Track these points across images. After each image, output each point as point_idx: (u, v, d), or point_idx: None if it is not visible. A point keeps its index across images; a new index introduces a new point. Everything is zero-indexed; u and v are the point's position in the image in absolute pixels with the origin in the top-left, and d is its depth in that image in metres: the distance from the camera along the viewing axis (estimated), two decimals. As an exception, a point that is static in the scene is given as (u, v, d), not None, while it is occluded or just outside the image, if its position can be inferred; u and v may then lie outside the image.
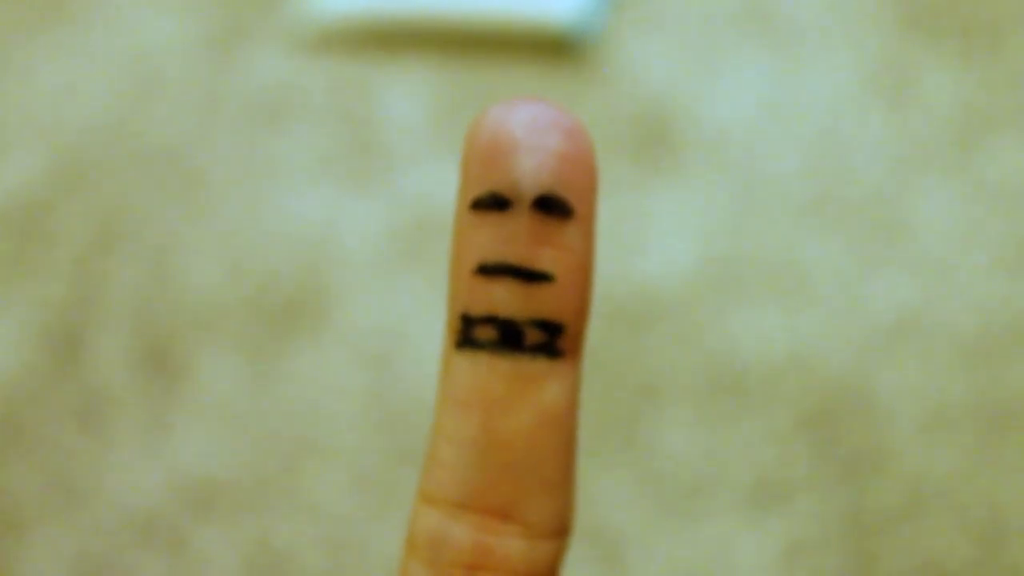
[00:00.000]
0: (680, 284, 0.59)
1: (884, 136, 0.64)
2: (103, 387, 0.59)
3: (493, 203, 0.18)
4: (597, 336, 0.57)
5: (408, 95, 0.70)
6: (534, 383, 0.18)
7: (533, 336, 0.18)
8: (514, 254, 0.18)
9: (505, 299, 0.18)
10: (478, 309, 0.18)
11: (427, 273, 0.61)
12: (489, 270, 0.18)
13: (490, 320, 0.18)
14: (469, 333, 0.19)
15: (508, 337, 0.18)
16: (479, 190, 0.18)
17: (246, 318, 0.61)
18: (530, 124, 0.18)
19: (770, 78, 0.68)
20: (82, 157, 0.69)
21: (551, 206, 0.18)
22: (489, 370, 0.18)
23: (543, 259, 0.18)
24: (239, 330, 0.60)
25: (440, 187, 0.64)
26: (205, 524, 0.54)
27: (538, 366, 0.18)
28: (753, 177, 0.63)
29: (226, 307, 0.61)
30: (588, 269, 0.18)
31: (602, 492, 0.53)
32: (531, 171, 0.18)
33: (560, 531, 0.19)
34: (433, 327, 0.59)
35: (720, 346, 0.57)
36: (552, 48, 0.70)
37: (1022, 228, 0.60)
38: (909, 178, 0.62)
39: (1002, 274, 0.58)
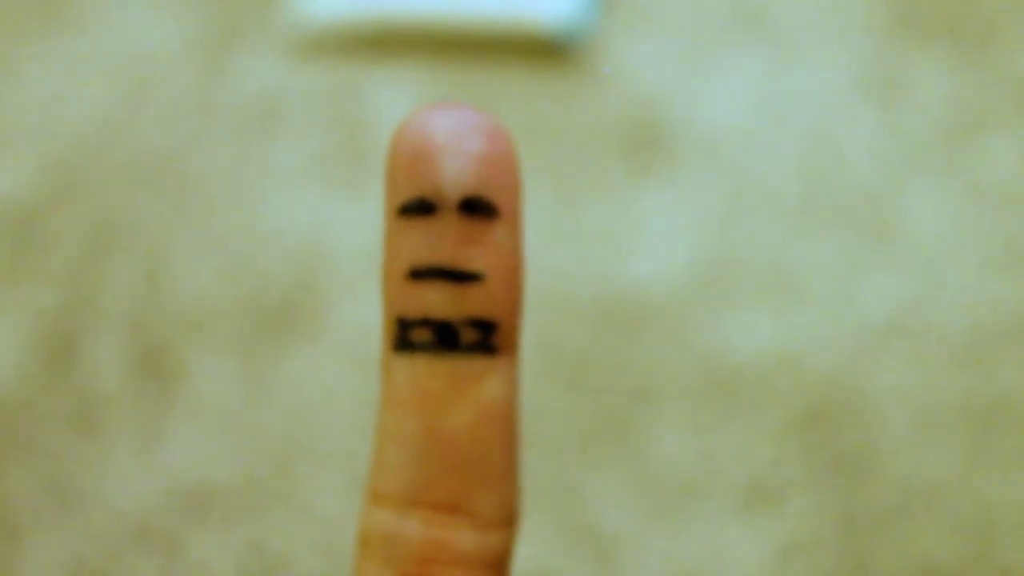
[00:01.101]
0: (672, 286, 0.59)
1: (875, 137, 0.64)
2: (98, 392, 0.59)
3: (420, 208, 0.18)
4: (589, 338, 0.57)
5: (400, 99, 0.70)
6: (472, 381, 0.19)
7: (468, 335, 0.19)
8: (443, 256, 0.18)
9: (438, 301, 0.19)
10: (413, 312, 0.19)
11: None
12: (420, 274, 0.19)
13: (425, 323, 0.19)
14: (405, 336, 0.19)
15: (444, 338, 0.19)
16: (405, 196, 0.18)
17: (240, 322, 0.61)
18: (452, 128, 0.18)
19: (761, 79, 0.68)
20: (75, 162, 0.69)
21: (476, 208, 0.18)
22: (427, 371, 0.19)
23: (472, 259, 0.18)
24: (233, 334, 0.61)
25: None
26: (200, 528, 0.54)
27: (475, 364, 0.19)
28: (745, 178, 0.64)
29: (220, 311, 0.61)
30: (517, 266, 0.19)
31: (595, 493, 0.53)
32: (455, 174, 0.18)
33: (508, 521, 0.19)
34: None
35: (712, 347, 0.57)
36: (543, 51, 0.70)
37: (1012, 228, 0.60)
38: (900, 178, 0.62)
39: (992, 274, 0.58)
